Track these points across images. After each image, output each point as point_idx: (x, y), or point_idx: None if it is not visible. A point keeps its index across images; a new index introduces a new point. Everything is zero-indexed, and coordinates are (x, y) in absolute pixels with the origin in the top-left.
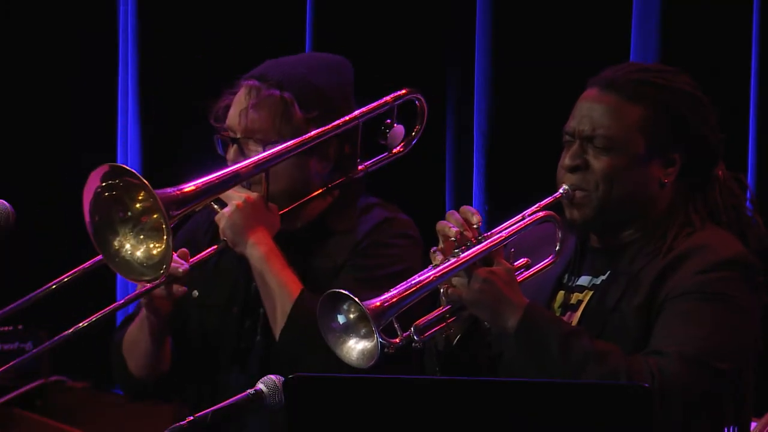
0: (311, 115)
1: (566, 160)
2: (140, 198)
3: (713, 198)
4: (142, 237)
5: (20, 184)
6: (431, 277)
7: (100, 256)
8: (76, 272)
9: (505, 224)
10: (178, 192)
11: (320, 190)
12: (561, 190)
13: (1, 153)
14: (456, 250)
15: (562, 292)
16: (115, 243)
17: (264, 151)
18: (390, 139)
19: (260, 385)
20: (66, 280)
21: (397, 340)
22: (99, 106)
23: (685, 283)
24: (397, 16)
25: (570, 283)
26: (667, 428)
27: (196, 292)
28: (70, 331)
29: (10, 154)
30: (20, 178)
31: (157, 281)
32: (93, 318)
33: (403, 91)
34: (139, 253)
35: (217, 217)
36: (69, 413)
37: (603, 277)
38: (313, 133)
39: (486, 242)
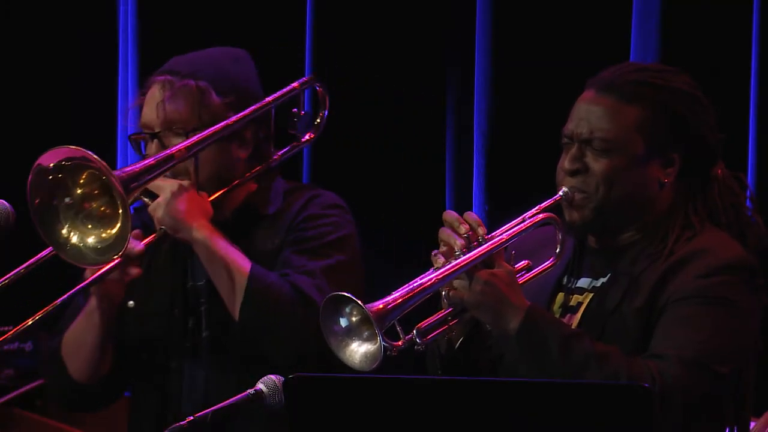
0: (228, 100)
1: (565, 163)
2: (82, 181)
3: (713, 198)
4: (89, 225)
5: (20, 184)
6: (433, 280)
7: (49, 248)
8: (29, 264)
9: (505, 227)
10: (123, 173)
11: (246, 176)
12: (560, 192)
13: (1, 153)
14: (457, 253)
15: (561, 294)
16: (63, 231)
17: (187, 138)
18: (299, 126)
19: (260, 385)
20: (21, 272)
21: (400, 343)
22: (99, 106)
23: (686, 287)
24: (397, 16)
25: (569, 285)
26: (668, 431)
27: (131, 303)
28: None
29: (10, 154)
30: (20, 178)
31: (113, 262)
32: (47, 308)
33: (308, 78)
34: (90, 239)
35: (151, 208)
36: (69, 413)
37: (603, 280)
38: (236, 116)
39: (487, 245)
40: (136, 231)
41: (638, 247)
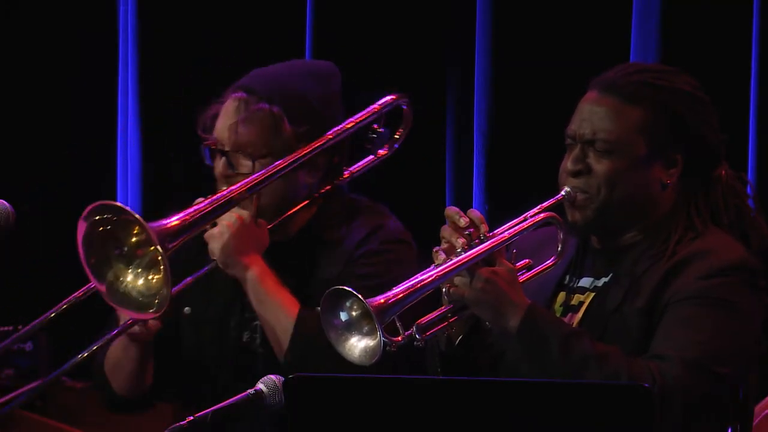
0: (301, 129)
1: (568, 164)
2: (135, 232)
3: (715, 199)
4: (139, 271)
5: (20, 184)
6: (434, 276)
7: (92, 285)
8: (69, 300)
9: (506, 225)
10: (170, 225)
11: (307, 201)
12: (563, 192)
13: (1, 153)
14: (458, 250)
15: (563, 293)
16: (110, 276)
17: (253, 164)
18: (376, 143)
19: (260, 385)
20: (64, 307)
21: (399, 339)
22: (99, 106)
23: (688, 288)
24: (397, 16)
25: (571, 284)
26: (668, 431)
27: (188, 309)
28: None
29: (10, 154)
30: (20, 178)
31: (164, 308)
32: (85, 353)
33: (390, 98)
34: (139, 284)
35: (207, 235)
36: (69, 413)
37: (605, 279)
38: (304, 150)
39: (488, 242)
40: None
41: (640, 248)
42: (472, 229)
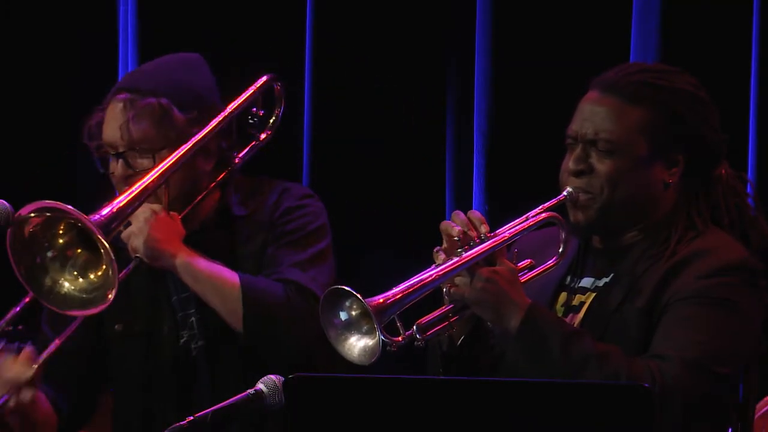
0: (191, 115)
1: (570, 164)
2: (60, 232)
3: (716, 198)
4: (76, 272)
5: (20, 184)
6: (434, 276)
7: (30, 294)
8: (9, 317)
9: (508, 225)
10: (101, 217)
11: (210, 187)
12: (565, 192)
13: (1, 153)
14: (459, 250)
15: (564, 294)
16: (47, 281)
17: (154, 158)
18: (257, 127)
19: (260, 385)
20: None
21: (400, 339)
22: (99, 106)
23: (688, 287)
24: (397, 16)
25: (572, 285)
26: (668, 431)
27: (118, 326)
28: None
29: (9, 154)
30: (20, 178)
31: (3, 398)
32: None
33: (264, 79)
34: (77, 285)
35: (124, 235)
36: None
37: (606, 280)
38: (201, 133)
39: (489, 242)
40: (26, 351)
41: (641, 248)
42: (471, 230)
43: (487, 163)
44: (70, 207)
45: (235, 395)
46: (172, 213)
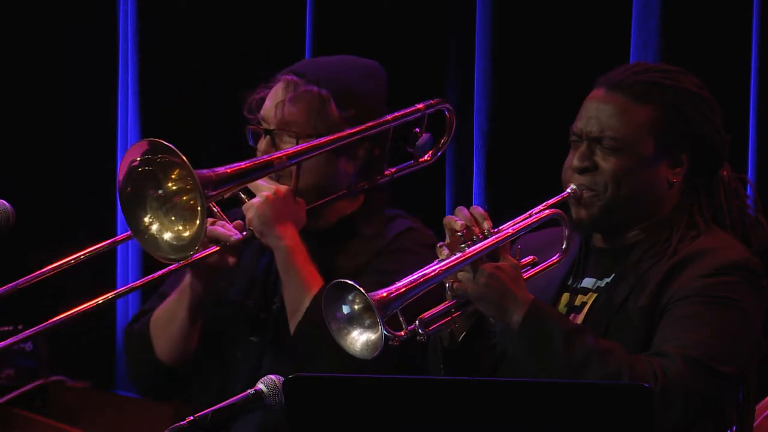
0: (347, 114)
1: (574, 161)
2: (174, 177)
3: (718, 199)
4: (173, 218)
5: (20, 184)
6: (437, 271)
7: (128, 232)
8: (106, 244)
9: (511, 221)
10: (212, 173)
11: (345, 190)
12: (569, 190)
13: (1, 153)
14: (462, 245)
15: (566, 294)
16: (146, 219)
17: (297, 143)
18: (418, 147)
19: (260, 385)
20: (98, 250)
21: (402, 333)
22: (99, 106)
23: (690, 286)
24: (397, 16)
25: (574, 285)
26: (668, 429)
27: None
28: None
29: (9, 154)
30: (20, 178)
31: (212, 249)
32: (115, 293)
33: (435, 100)
34: (168, 234)
35: (245, 207)
36: (69, 413)
37: (608, 280)
38: (347, 131)
39: (492, 238)
40: (238, 221)
41: (643, 246)
42: (474, 226)
43: (487, 163)
44: (184, 158)
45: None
46: (298, 199)
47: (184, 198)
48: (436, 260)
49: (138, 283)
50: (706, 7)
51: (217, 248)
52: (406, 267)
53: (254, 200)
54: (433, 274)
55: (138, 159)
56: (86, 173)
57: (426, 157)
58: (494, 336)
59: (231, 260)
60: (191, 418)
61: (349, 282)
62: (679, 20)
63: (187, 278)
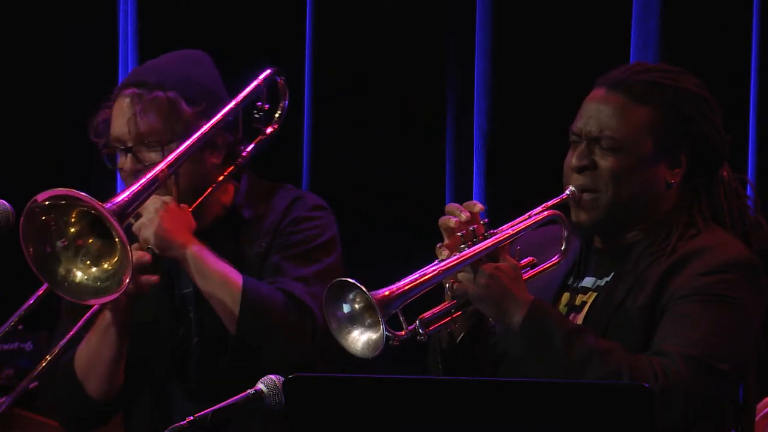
0: (198, 108)
1: (573, 160)
2: (72, 220)
3: (717, 199)
4: (88, 261)
5: (20, 184)
6: (437, 271)
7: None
8: (28, 305)
9: (511, 222)
10: (113, 205)
11: (220, 179)
12: (568, 191)
13: (2, 153)
14: (462, 246)
15: (566, 294)
16: (60, 270)
17: (162, 152)
18: (263, 121)
19: (260, 385)
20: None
21: (402, 333)
22: (99, 106)
23: (689, 284)
24: (398, 16)
25: (574, 285)
26: (668, 428)
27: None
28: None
29: (9, 154)
30: (20, 178)
31: (125, 285)
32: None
33: (267, 72)
34: (88, 276)
35: (135, 228)
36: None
37: (607, 279)
38: (208, 125)
39: (492, 238)
40: (136, 244)
41: (642, 246)
42: (476, 225)
43: (487, 163)
44: (85, 194)
45: (225, 396)
46: (182, 205)
47: (90, 240)
48: (436, 260)
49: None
50: (706, 7)
51: (128, 282)
52: (309, 234)
53: (143, 219)
54: (433, 274)
55: (26, 218)
56: (86, 173)
57: (272, 128)
58: (494, 336)
59: (153, 278)
60: (191, 418)
61: (351, 281)
62: (679, 20)
63: (107, 316)
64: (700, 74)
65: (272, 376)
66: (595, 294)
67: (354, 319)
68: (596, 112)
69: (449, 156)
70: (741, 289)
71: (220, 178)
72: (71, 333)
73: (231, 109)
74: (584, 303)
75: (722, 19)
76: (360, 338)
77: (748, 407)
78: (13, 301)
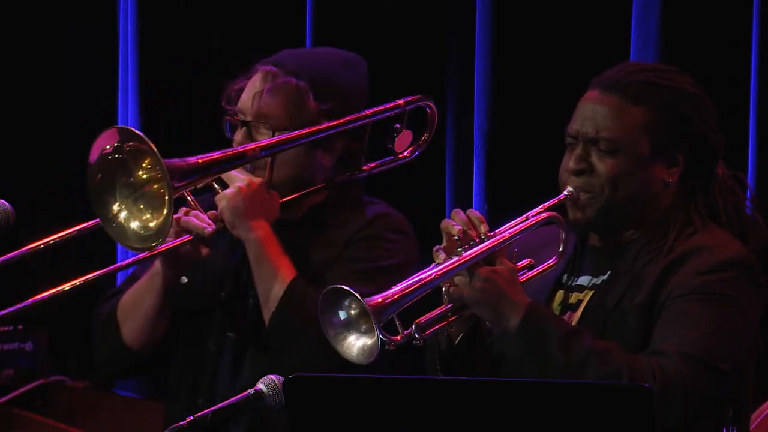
0: (325, 107)
1: (570, 163)
2: (145, 165)
3: (714, 197)
4: (141, 206)
5: (20, 184)
6: (433, 275)
7: (96, 220)
8: (71, 231)
9: (508, 224)
10: (183, 163)
11: (322, 185)
12: (565, 192)
13: (2, 153)
14: (459, 249)
15: (561, 292)
16: (114, 207)
17: (273, 135)
18: (397, 143)
19: (260, 385)
20: (62, 237)
21: (398, 338)
22: (99, 105)
23: (687, 283)
24: (398, 16)
25: (569, 283)
26: (668, 428)
27: (185, 279)
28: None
29: (9, 154)
30: (20, 178)
31: (185, 238)
32: (96, 273)
33: (416, 96)
34: (135, 223)
35: (217, 198)
36: (69, 413)
37: (603, 277)
38: (324, 125)
39: (489, 241)
40: (213, 212)
41: (639, 245)
42: (471, 229)
43: (487, 163)
44: (153, 146)
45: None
46: (272, 192)
47: (155, 187)
48: (433, 264)
49: (109, 269)
50: (706, 7)
51: (190, 238)
52: (378, 254)
53: (226, 191)
54: (429, 278)
55: (109, 147)
56: (87, 173)
57: (405, 154)
58: (491, 337)
59: (204, 251)
60: (191, 418)
61: (345, 288)
62: (679, 20)
63: (157, 265)
64: (700, 74)
65: (272, 376)
66: (592, 292)
67: (350, 326)
68: (592, 113)
69: (449, 156)
70: (739, 287)
71: (328, 182)
72: (125, 262)
73: (356, 118)
74: (580, 301)
75: (722, 19)
76: (355, 344)
77: (745, 407)
78: (14, 301)
